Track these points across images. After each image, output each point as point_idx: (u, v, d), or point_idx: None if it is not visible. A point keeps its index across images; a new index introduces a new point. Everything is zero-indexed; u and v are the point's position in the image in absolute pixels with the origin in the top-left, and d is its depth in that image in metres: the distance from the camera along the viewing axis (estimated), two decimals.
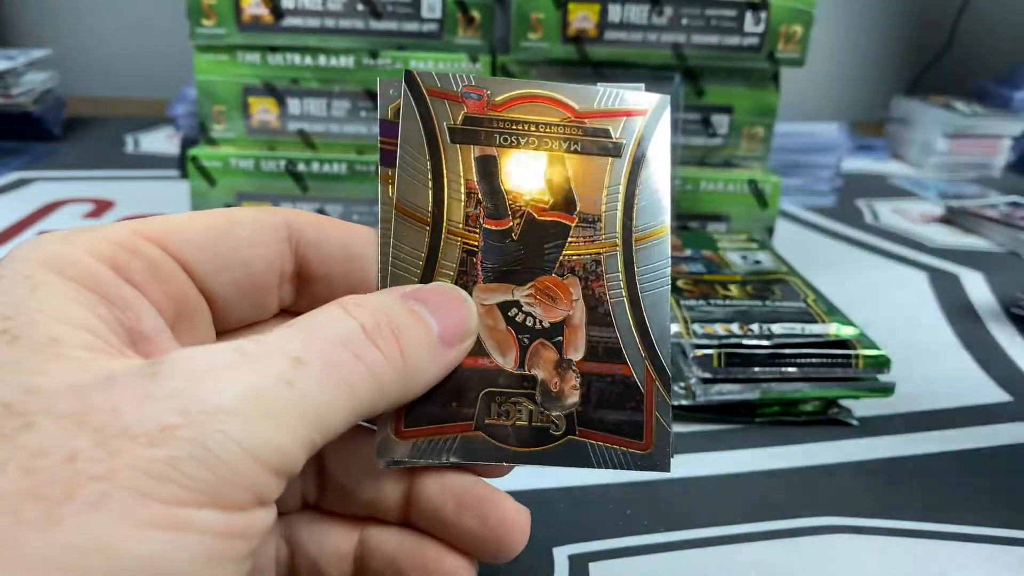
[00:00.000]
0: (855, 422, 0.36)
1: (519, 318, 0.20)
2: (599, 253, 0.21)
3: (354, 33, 0.53)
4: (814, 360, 0.35)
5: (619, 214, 0.21)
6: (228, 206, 0.57)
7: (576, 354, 0.20)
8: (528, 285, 0.21)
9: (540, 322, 0.20)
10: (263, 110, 0.55)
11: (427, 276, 0.20)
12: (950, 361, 0.44)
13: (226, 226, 0.20)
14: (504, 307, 0.20)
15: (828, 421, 0.36)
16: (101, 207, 0.63)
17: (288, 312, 0.22)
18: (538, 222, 0.21)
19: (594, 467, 0.20)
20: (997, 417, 0.38)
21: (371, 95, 0.54)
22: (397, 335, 0.18)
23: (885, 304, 0.51)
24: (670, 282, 0.22)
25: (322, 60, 0.54)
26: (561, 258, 0.21)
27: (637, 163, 0.21)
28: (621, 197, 0.21)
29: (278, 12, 0.52)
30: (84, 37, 1.08)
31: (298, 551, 0.21)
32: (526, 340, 0.20)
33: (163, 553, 0.13)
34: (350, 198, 0.55)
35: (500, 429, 0.20)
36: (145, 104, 1.01)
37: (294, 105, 0.55)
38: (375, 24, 0.53)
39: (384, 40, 0.53)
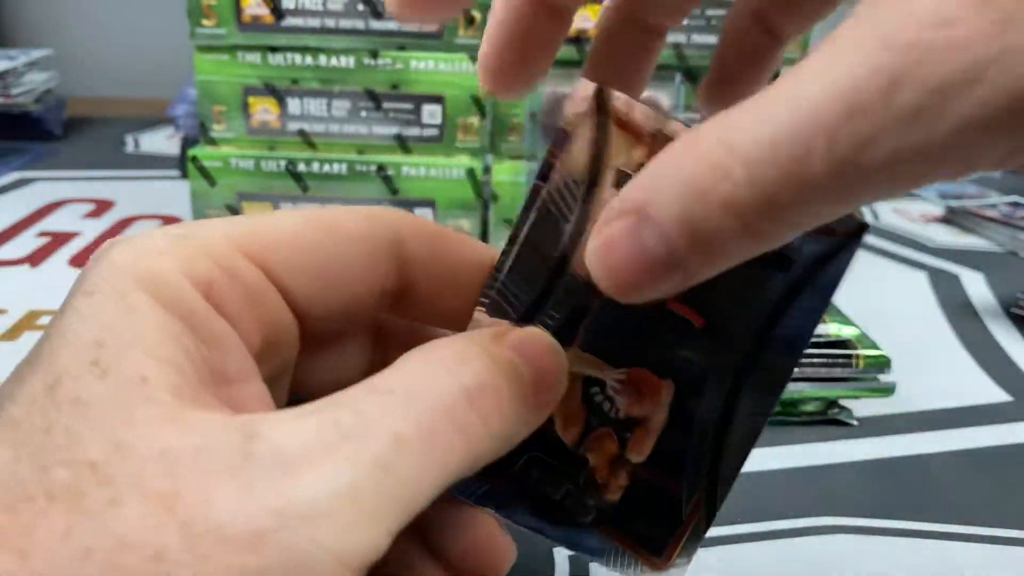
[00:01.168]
0: (855, 422, 0.36)
1: (598, 398, 0.19)
2: (709, 367, 0.19)
3: (354, 33, 0.53)
4: (814, 360, 0.35)
5: (750, 335, 0.18)
6: (229, 206, 0.57)
7: (638, 458, 0.19)
8: (622, 370, 0.19)
9: (617, 411, 0.19)
10: (263, 110, 0.55)
11: (527, 316, 0.19)
12: (950, 361, 0.44)
13: (332, 245, 0.18)
14: (588, 382, 0.19)
15: (828, 421, 0.36)
16: (101, 207, 0.63)
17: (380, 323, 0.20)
18: (666, 310, 0.18)
19: (603, 565, 0.19)
20: (997, 417, 0.38)
21: (371, 95, 0.55)
22: (500, 398, 0.16)
23: (885, 304, 0.51)
24: (765, 425, 0.20)
25: (322, 60, 0.54)
26: (669, 356, 0.19)
27: (798, 287, 0.18)
28: (763, 318, 0.18)
29: (278, 12, 0.52)
30: (84, 37, 1.08)
31: None
32: (594, 423, 0.19)
33: None
34: (350, 198, 0.55)
35: (531, 492, 0.19)
36: (145, 104, 1.01)
37: (294, 105, 0.55)
38: (375, 24, 0.53)
39: (384, 40, 0.53)
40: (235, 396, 0.16)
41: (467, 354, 0.16)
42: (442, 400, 0.15)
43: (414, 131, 0.55)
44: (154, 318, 0.15)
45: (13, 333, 0.43)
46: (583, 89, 0.18)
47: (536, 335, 0.18)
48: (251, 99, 0.55)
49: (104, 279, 0.15)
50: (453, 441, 0.15)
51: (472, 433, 0.15)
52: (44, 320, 0.44)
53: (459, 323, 0.19)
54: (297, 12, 0.52)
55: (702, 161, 0.13)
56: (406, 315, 0.19)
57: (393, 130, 0.55)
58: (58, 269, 0.52)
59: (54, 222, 0.60)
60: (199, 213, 0.55)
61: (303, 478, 0.14)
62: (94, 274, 0.16)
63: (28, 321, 0.44)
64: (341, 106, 0.55)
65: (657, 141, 0.18)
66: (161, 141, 0.86)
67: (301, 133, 0.55)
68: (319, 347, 0.20)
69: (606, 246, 0.14)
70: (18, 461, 0.13)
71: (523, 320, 0.19)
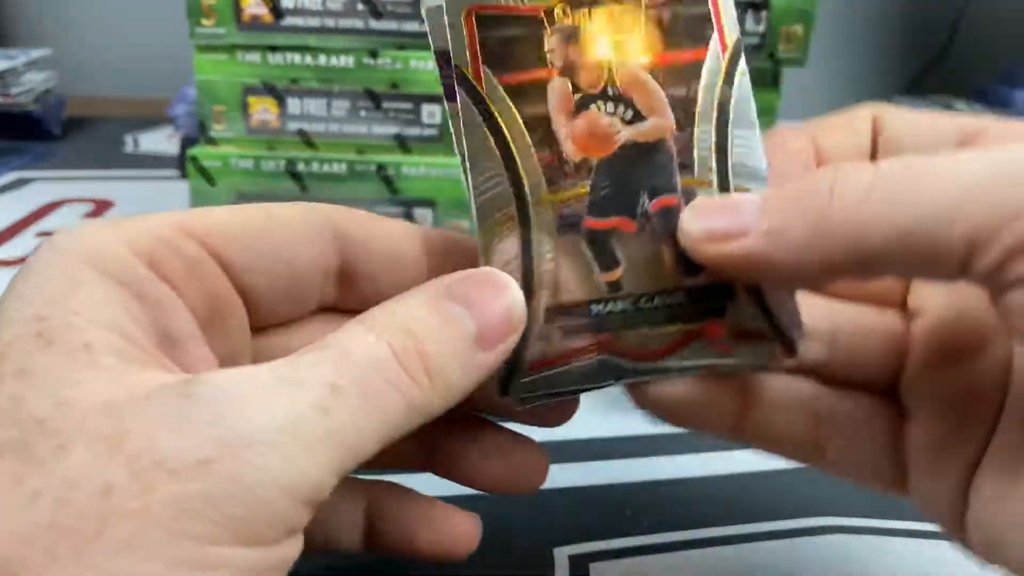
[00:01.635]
0: None
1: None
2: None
3: (354, 33, 0.53)
4: None
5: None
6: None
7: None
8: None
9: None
10: (263, 110, 0.55)
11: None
12: None
13: (268, 224, 0.19)
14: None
15: None
16: (101, 207, 0.63)
17: (328, 310, 0.21)
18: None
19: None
20: None
21: (371, 95, 0.54)
22: (424, 356, 0.17)
23: None
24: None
25: (322, 60, 0.54)
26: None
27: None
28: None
29: (278, 12, 0.52)
30: (84, 37, 1.08)
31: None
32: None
33: None
34: (350, 198, 0.55)
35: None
36: (145, 104, 1.01)
37: (294, 105, 0.55)
38: (375, 24, 0.53)
39: (384, 40, 0.53)
40: (184, 357, 0.17)
41: (393, 318, 0.17)
42: (372, 358, 0.16)
43: (414, 131, 0.55)
44: (97, 288, 0.16)
45: None
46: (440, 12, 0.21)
47: (476, 273, 0.19)
48: (251, 99, 0.55)
49: (45, 260, 0.16)
50: (388, 394, 0.16)
51: (405, 387, 0.16)
52: None
53: None
54: (297, 12, 0.52)
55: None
56: (354, 301, 0.20)
57: (393, 130, 0.55)
58: None
59: (53, 222, 0.59)
60: None
61: (243, 411, 0.14)
62: (35, 259, 0.17)
63: None
64: (341, 106, 0.55)
65: None
66: (161, 141, 0.85)
67: (301, 133, 0.55)
68: (273, 335, 0.21)
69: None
70: None
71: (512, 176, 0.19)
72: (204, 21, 0.53)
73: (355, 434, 0.15)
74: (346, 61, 0.54)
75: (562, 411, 0.22)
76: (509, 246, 0.19)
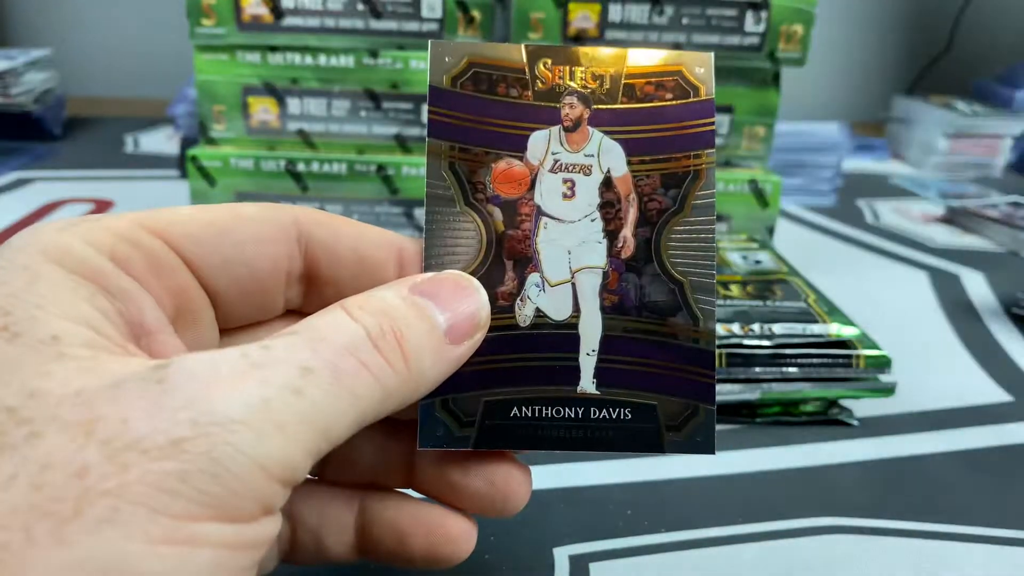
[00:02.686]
0: (856, 422, 0.36)
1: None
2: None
3: (354, 33, 0.53)
4: (815, 360, 0.35)
5: None
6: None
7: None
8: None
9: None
10: (263, 110, 0.55)
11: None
12: (951, 361, 0.44)
13: (231, 222, 0.19)
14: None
15: (829, 421, 0.36)
16: (101, 207, 0.63)
17: (295, 313, 0.21)
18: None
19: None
20: (998, 417, 0.38)
21: (371, 95, 0.54)
22: (400, 340, 0.17)
23: (886, 304, 0.51)
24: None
25: (322, 60, 0.54)
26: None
27: None
28: None
29: (278, 12, 0.52)
30: (84, 37, 1.08)
31: (299, 524, 0.21)
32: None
33: (174, 569, 0.13)
34: (350, 198, 0.55)
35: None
36: (145, 104, 1.01)
37: (294, 105, 0.55)
38: (375, 24, 0.53)
39: (384, 40, 0.53)
40: (155, 346, 0.17)
41: (369, 303, 0.18)
42: (346, 340, 0.16)
43: (414, 131, 0.55)
44: (61, 282, 0.16)
45: None
46: (446, 48, 0.21)
47: (445, 275, 0.20)
48: (251, 99, 0.55)
49: (3, 257, 0.16)
50: (361, 376, 0.16)
51: (378, 369, 0.17)
52: None
53: None
54: (296, 12, 0.52)
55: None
56: (319, 305, 0.20)
57: (393, 130, 0.55)
58: None
59: None
60: None
61: (215, 393, 0.14)
62: (2, 254, 0.16)
63: None
64: (341, 106, 0.55)
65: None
66: (161, 141, 0.85)
67: (301, 133, 0.55)
68: (242, 335, 0.21)
69: None
70: None
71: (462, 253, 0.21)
72: (204, 21, 0.53)
73: (328, 416, 0.15)
74: (346, 61, 0.54)
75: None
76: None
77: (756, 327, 0.36)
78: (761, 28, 0.53)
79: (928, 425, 0.37)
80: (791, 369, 0.35)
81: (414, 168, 0.54)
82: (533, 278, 0.21)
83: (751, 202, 0.55)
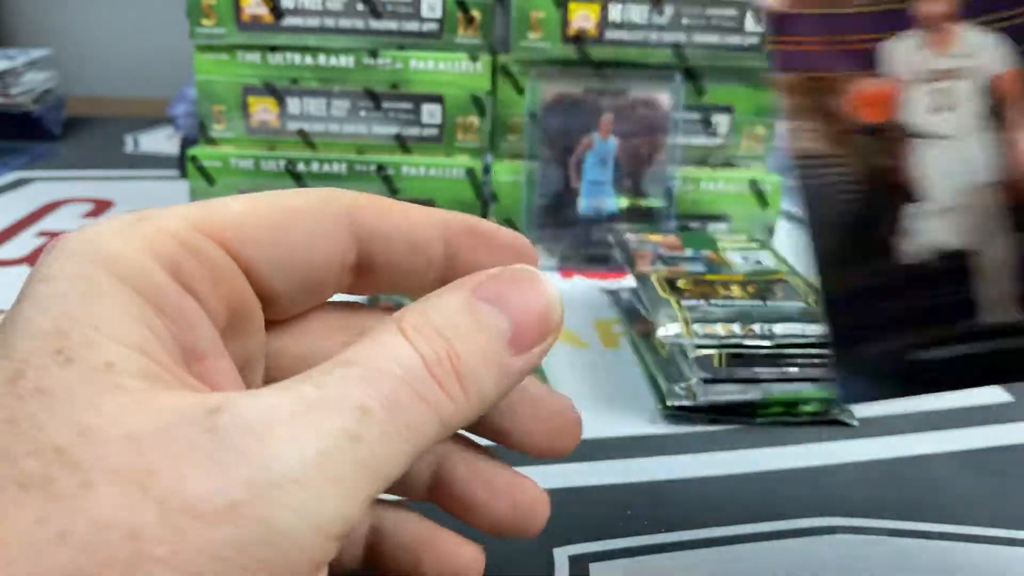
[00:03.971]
0: (856, 423, 0.36)
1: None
2: None
3: (354, 33, 0.53)
4: (815, 360, 0.35)
5: None
6: None
7: None
8: None
9: None
10: (263, 110, 0.55)
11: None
12: None
13: (286, 221, 0.18)
14: None
15: (829, 421, 0.36)
16: (101, 207, 0.63)
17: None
18: None
19: None
20: (998, 417, 0.38)
21: (371, 95, 0.54)
22: (456, 365, 0.16)
23: None
24: None
25: (322, 60, 0.54)
26: None
27: None
28: None
29: (278, 12, 0.52)
30: (84, 37, 1.08)
31: None
32: None
33: None
34: None
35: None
36: (145, 104, 1.01)
37: (294, 105, 0.55)
38: (375, 24, 0.53)
39: (384, 40, 0.53)
40: (206, 373, 0.16)
41: (426, 321, 0.16)
42: (403, 371, 0.15)
43: (414, 131, 0.55)
44: (118, 300, 0.15)
45: None
46: None
47: (511, 271, 0.18)
48: (250, 99, 0.55)
49: (61, 265, 0.15)
50: (418, 409, 0.15)
51: (436, 400, 0.15)
52: None
53: (422, 290, 0.19)
54: (296, 12, 0.52)
55: None
56: (370, 288, 0.19)
57: (393, 130, 0.55)
58: None
59: (53, 222, 0.59)
60: None
61: (271, 447, 0.14)
62: (50, 261, 0.15)
63: None
64: (341, 106, 0.55)
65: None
66: (161, 141, 0.85)
67: (301, 133, 0.55)
68: (287, 333, 0.20)
69: None
70: None
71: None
72: (204, 21, 0.53)
73: (386, 459, 0.15)
74: (346, 61, 0.54)
75: (572, 438, 0.22)
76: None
77: (757, 327, 0.36)
78: (761, 28, 0.53)
79: (928, 425, 0.37)
80: (792, 369, 0.35)
81: (414, 168, 0.54)
82: (916, 208, 0.18)
83: (751, 202, 0.56)
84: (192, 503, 0.13)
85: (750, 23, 0.53)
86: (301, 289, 0.19)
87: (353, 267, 0.19)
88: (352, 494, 0.14)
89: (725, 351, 0.35)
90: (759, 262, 0.44)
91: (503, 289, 0.17)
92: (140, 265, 0.15)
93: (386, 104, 0.55)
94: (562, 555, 0.27)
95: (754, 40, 0.53)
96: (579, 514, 0.29)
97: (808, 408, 0.36)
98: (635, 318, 0.44)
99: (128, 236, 0.16)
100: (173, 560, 0.13)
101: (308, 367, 0.16)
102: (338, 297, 0.21)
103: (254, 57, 0.54)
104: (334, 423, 0.14)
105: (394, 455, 0.15)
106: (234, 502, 0.13)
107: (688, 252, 0.45)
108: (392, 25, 0.53)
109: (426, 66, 0.54)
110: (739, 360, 0.35)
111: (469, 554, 0.21)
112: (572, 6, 0.52)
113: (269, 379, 0.19)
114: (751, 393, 0.35)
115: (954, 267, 0.18)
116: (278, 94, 0.54)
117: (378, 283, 0.19)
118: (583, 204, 0.54)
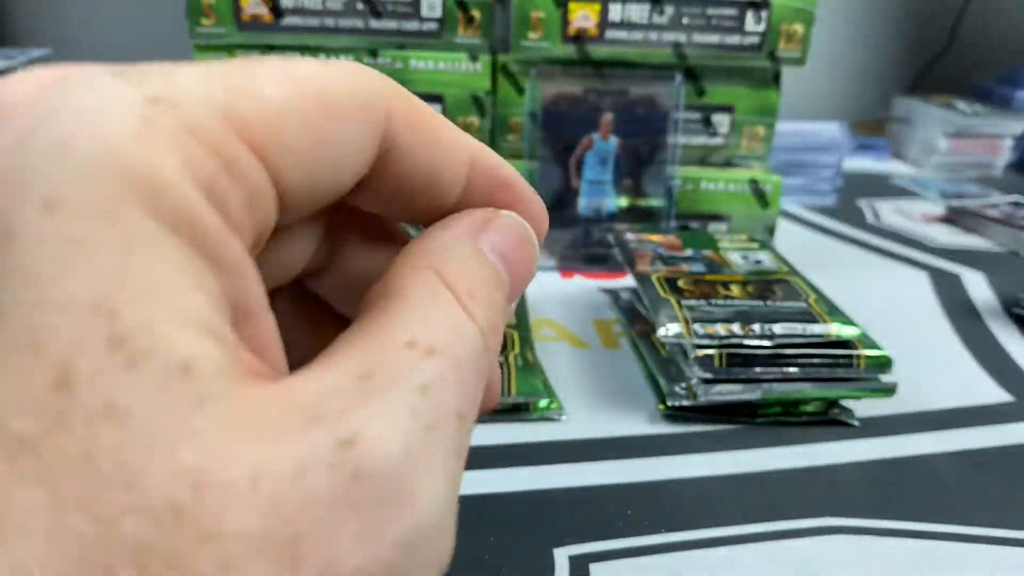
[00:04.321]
0: (856, 422, 0.36)
1: None
2: None
3: (354, 32, 0.53)
4: (815, 360, 0.35)
5: None
6: None
7: None
8: None
9: None
10: None
11: None
12: (951, 361, 0.44)
13: (324, 121, 0.14)
14: None
15: (829, 421, 0.36)
16: None
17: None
18: None
19: None
20: (999, 417, 0.38)
21: None
22: (500, 329, 0.15)
23: (886, 304, 0.51)
24: None
25: (321, 59, 0.54)
26: None
27: None
28: None
29: (277, 11, 0.52)
30: (83, 37, 1.08)
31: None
32: None
33: None
34: None
35: None
36: None
37: None
38: (375, 23, 0.53)
39: (384, 39, 0.53)
40: (254, 335, 0.13)
41: (477, 290, 0.15)
42: (475, 356, 0.14)
43: None
44: (166, 255, 0.11)
45: None
46: None
47: (526, 238, 0.17)
48: None
49: (71, 184, 0.10)
50: (478, 389, 0.14)
51: (489, 372, 0.15)
52: None
53: (426, 220, 0.17)
54: (296, 11, 0.52)
55: None
56: (368, 204, 0.17)
57: None
58: None
59: None
60: None
61: (417, 498, 0.12)
62: (47, 166, 0.10)
63: None
64: None
65: None
66: None
67: None
68: (273, 238, 0.16)
69: None
70: (63, 511, 0.09)
71: None
72: (204, 21, 0.53)
73: (464, 455, 0.14)
74: (346, 60, 0.54)
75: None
76: None
77: (757, 327, 0.36)
78: (761, 28, 0.53)
79: (929, 425, 0.37)
80: (792, 369, 0.35)
81: None
82: None
83: (751, 202, 0.55)
84: (355, 573, 0.11)
85: (750, 22, 0.52)
86: (318, 198, 0.15)
87: (364, 179, 0.16)
88: (455, 505, 0.13)
89: (725, 351, 0.35)
90: (759, 262, 0.44)
91: (509, 247, 0.16)
92: (182, 196, 0.11)
93: None
94: (562, 555, 0.27)
95: (755, 40, 0.53)
96: (579, 514, 0.29)
97: (808, 408, 0.36)
98: (635, 318, 0.44)
99: (157, 142, 0.11)
100: None
101: (284, 273, 0.15)
102: None
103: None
104: (449, 446, 0.13)
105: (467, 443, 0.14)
106: (392, 566, 0.11)
107: (688, 252, 0.45)
108: (392, 25, 0.53)
109: (426, 66, 0.54)
110: (739, 360, 0.35)
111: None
112: (572, 6, 0.52)
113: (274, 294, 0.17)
114: (751, 393, 0.35)
115: None
116: None
117: (376, 200, 0.17)
118: (583, 204, 0.54)
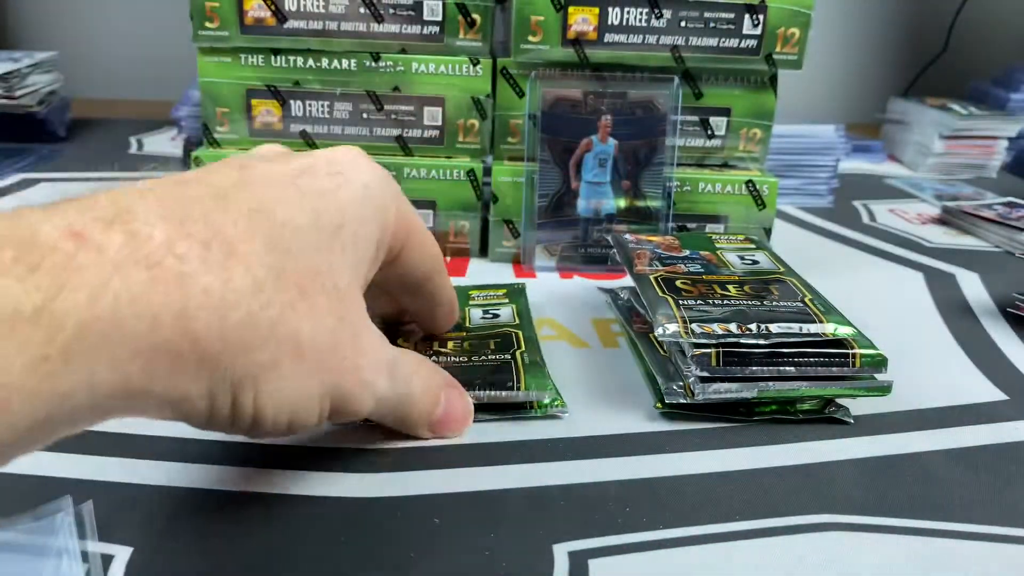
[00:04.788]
0: (852, 421, 0.37)
1: None
2: None
3: (356, 36, 0.53)
4: (811, 359, 0.36)
5: None
6: None
7: None
8: None
9: None
10: (266, 112, 0.55)
11: None
12: (946, 360, 0.44)
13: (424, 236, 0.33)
14: None
15: (825, 420, 0.37)
16: None
17: None
18: None
19: None
20: (993, 415, 0.38)
21: (373, 97, 0.55)
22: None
23: (882, 304, 0.51)
24: None
25: (324, 62, 0.54)
26: None
27: None
28: None
29: (281, 15, 0.53)
30: (89, 39, 1.08)
31: None
32: None
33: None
34: None
35: None
36: (149, 106, 1.01)
37: (296, 107, 0.55)
38: (377, 27, 0.53)
39: (386, 43, 0.54)
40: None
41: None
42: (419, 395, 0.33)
43: (415, 133, 0.56)
44: (373, 220, 0.29)
45: None
46: None
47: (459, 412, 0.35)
48: (254, 101, 0.55)
49: (350, 186, 0.29)
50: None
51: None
52: None
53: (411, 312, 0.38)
54: (299, 15, 0.53)
55: None
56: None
57: (394, 132, 0.56)
58: None
59: None
60: None
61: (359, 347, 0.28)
62: (346, 167, 0.29)
63: None
64: (343, 108, 0.55)
65: None
66: (165, 143, 0.86)
67: (303, 135, 0.56)
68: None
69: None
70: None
71: None
72: (207, 24, 0.53)
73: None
74: (348, 64, 0.54)
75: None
76: None
77: (753, 326, 0.36)
78: (758, 31, 0.53)
79: (924, 423, 0.37)
80: (788, 368, 0.35)
81: (415, 169, 0.55)
82: None
83: (748, 203, 0.56)
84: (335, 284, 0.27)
85: (747, 26, 0.53)
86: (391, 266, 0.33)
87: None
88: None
89: (722, 350, 0.35)
90: (756, 262, 0.45)
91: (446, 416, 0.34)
92: (389, 210, 0.29)
93: (388, 106, 0.55)
94: (562, 551, 0.28)
95: (751, 43, 0.53)
96: (579, 511, 0.30)
97: (804, 406, 0.37)
98: (633, 317, 0.45)
99: (389, 190, 0.30)
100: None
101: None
102: None
103: (257, 60, 0.54)
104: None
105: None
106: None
107: (686, 252, 0.45)
108: (394, 28, 0.53)
109: (427, 69, 0.54)
110: (736, 359, 0.35)
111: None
112: (572, 9, 0.52)
113: None
114: (748, 391, 0.35)
115: None
116: (281, 96, 0.55)
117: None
118: (582, 205, 0.54)
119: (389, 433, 0.33)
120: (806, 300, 0.39)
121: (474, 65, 0.54)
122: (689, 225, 0.57)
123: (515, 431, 0.35)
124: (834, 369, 0.36)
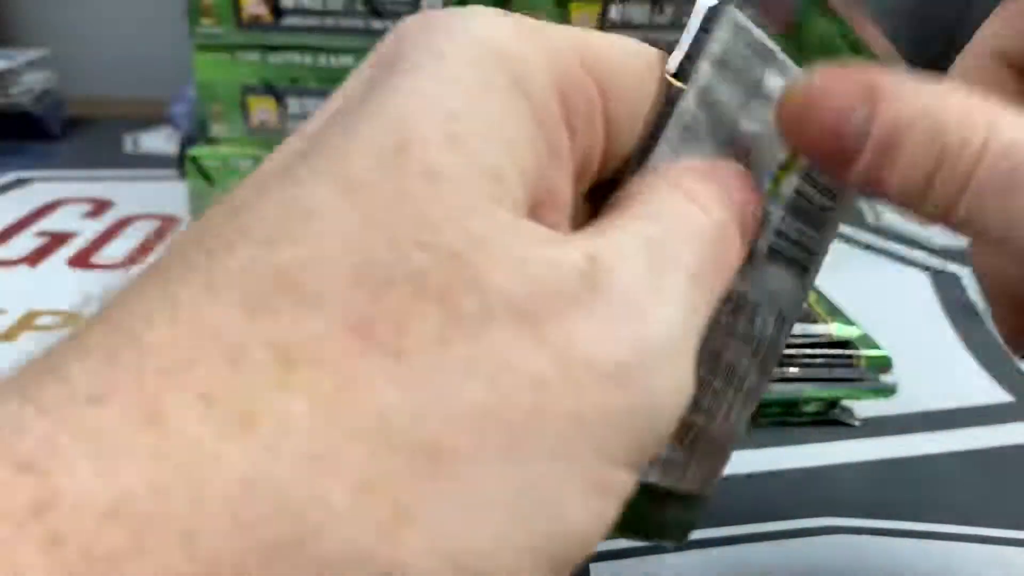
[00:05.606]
0: (857, 423, 0.36)
1: None
2: None
3: (354, 32, 0.53)
4: (815, 361, 0.35)
5: None
6: None
7: None
8: None
9: None
10: (262, 110, 0.55)
11: None
12: (952, 362, 0.44)
13: (646, 71, 0.16)
14: None
15: (830, 422, 0.36)
16: (100, 207, 0.63)
17: None
18: None
19: None
20: (999, 418, 0.38)
21: None
22: (733, 242, 0.16)
23: (887, 304, 0.51)
24: None
25: (322, 60, 0.54)
26: None
27: None
28: None
29: (277, 11, 0.52)
30: (83, 37, 1.08)
31: None
32: None
33: (592, 525, 0.12)
34: None
35: None
36: (144, 104, 1.01)
37: (294, 104, 0.55)
38: (375, 23, 0.53)
39: None
40: (552, 225, 0.14)
41: (701, 193, 0.15)
42: (710, 236, 0.14)
43: None
44: (513, 111, 0.13)
45: (11, 334, 0.43)
46: None
47: (736, 178, 0.16)
48: (250, 98, 0.55)
49: (458, 46, 0.13)
50: (716, 280, 0.14)
51: (724, 268, 0.15)
52: (43, 320, 0.44)
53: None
54: (296, 11, 0.52)
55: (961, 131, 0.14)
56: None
57: None
58: (57, 269, 0.52)
59: (52, 222, 0.59)
60: (198, 213, 0.55)
61: (648, 315, 0.13)
62: (441, 39, 0.14)
63: (27, 321, 0.44)
64: None
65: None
66: (160, 141, 0.85)
67: None
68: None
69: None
70: (367, 229, 0.11)
71: None
72: (203, 21, 0.53)
73: (702, 326, 0.14)
74: (346, 61, 0.54)
75: None
76: None
77: None
78: None
79: (929, 425, 0.37)
80: (792, 370, 0.35)
81: None
82: None
83: None
84: (587, 359, 0.12)
85: None
86: (607, 157, 0.16)
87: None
88: (691, 364, 0.13)
89: None
90: None
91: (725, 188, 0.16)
92: (539, 82, 0.13)
93: None
94: None
95: None
96: None
97: (808, 409, 0.36)
98: None
99: (531, 44, 0.14)
100: (576, 420, 0.11)
101: None
102: None
103: (254, 57, 0.54)
104: (681, 290, 0.13)
105: (703, 323, 0.14)
106: (625, 363, 0.12)
107: None
108: (392, 24, 0.53)
109: None
110: None
111: None
112: (573, 6, 0.52)
113: None
114: None
115: None
116: (278, 94, 0.54)
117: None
118: None
119: None
120: (810, 301, 0.39)
121: None
122: None
123: None
124: (839, 371, 0.35)
